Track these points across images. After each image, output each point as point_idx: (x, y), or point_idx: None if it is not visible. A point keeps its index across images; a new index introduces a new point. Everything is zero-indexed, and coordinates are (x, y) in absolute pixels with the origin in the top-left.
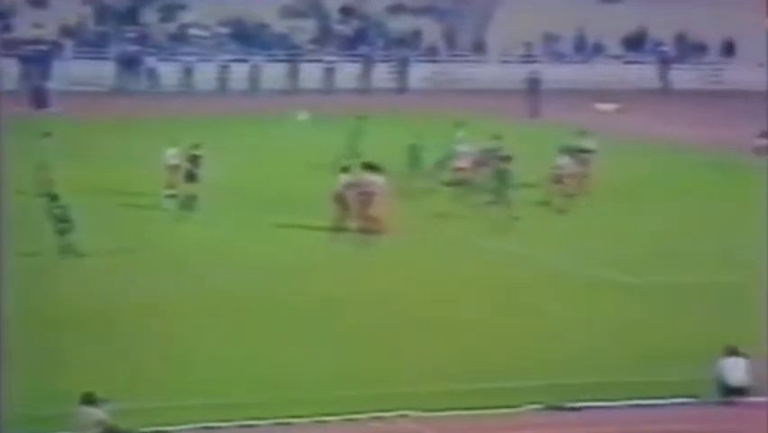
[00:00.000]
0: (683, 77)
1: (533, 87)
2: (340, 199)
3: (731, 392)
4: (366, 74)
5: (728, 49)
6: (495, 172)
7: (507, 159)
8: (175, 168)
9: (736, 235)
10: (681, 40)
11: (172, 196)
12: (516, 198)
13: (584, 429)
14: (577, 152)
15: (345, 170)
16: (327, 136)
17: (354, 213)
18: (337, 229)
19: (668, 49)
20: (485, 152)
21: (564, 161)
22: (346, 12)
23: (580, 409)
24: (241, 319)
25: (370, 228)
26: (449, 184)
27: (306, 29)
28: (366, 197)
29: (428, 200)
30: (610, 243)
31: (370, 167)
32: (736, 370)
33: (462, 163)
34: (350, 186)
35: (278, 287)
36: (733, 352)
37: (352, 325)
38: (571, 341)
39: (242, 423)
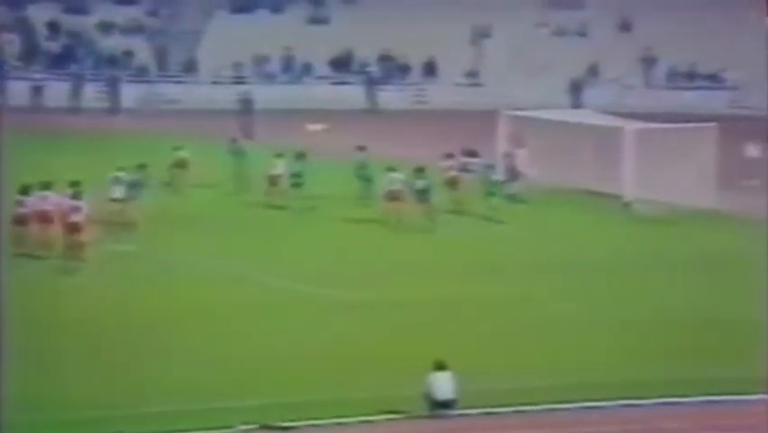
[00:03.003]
0: (389, 97)
1: (245, 108)
2: (24, 222)
3: (438, 406)
4: (76, 93)
5: (430, 69)
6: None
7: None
8: None
9: (457, 253)
10: (385, 60)
11: None
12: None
13: None
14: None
15: (24, 191)
16: (32, 156)
17: (49, 237)
18: (23, 255)
19: (373, 69)
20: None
21: None
22: (54, 28)
23: (291, 428)
24: None
25: (66, 254)
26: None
27: (11, 43)
28: (61, 222)
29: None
30: (329, 259)
31: (73, 185)
32: (443, 384)
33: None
34: (42, 208)
35: None
36: (441, 366)
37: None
38: (282, 360)
39: None
